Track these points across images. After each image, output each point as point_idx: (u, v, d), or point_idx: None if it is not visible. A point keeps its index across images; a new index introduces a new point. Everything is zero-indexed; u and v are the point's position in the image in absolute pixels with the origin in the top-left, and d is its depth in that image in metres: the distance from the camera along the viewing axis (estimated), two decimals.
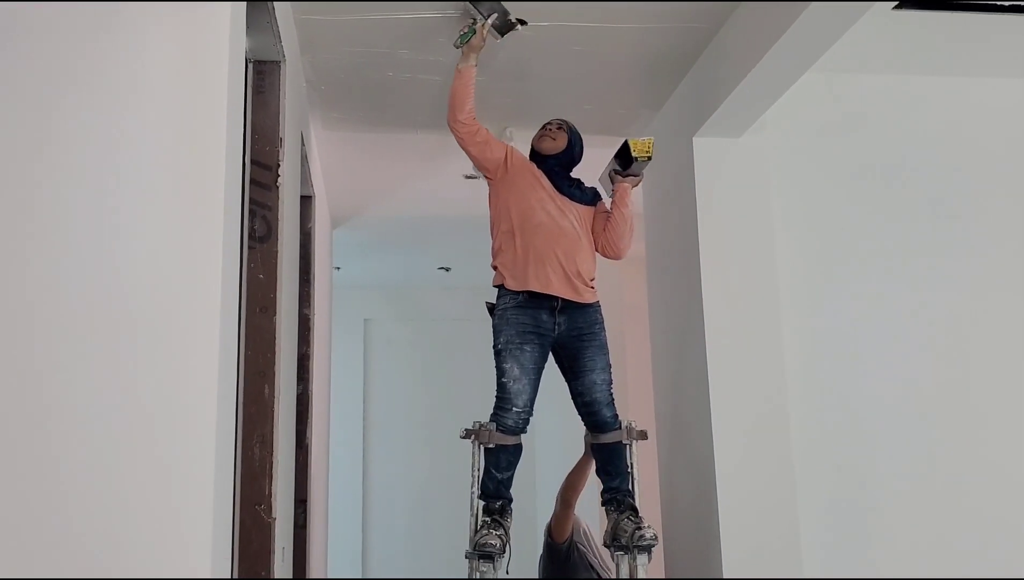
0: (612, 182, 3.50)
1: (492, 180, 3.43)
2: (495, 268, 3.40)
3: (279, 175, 2.75)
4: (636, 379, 5.73)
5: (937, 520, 3.71)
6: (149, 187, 1.80)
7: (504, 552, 3.12)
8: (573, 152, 3.52)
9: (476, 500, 3.25)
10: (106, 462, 1.70)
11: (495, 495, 3.24)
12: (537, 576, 4.13)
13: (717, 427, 3.54)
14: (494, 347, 3.30)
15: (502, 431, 3.21)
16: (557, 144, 3.48)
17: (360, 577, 8.25)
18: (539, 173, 3.41)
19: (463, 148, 3.37)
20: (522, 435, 3.27)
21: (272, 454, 2.58)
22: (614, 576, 3.56)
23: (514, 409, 3.21)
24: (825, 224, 3.89)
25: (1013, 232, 3.96)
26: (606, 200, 3.56)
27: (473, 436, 3.25)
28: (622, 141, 3.43)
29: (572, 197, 3.42)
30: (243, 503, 2.51)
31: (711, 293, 3.66)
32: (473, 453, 3.28)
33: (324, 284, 5.23)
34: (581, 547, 4.03)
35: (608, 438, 3.35)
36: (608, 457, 3.37)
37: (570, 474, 3.92)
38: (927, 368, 3.82)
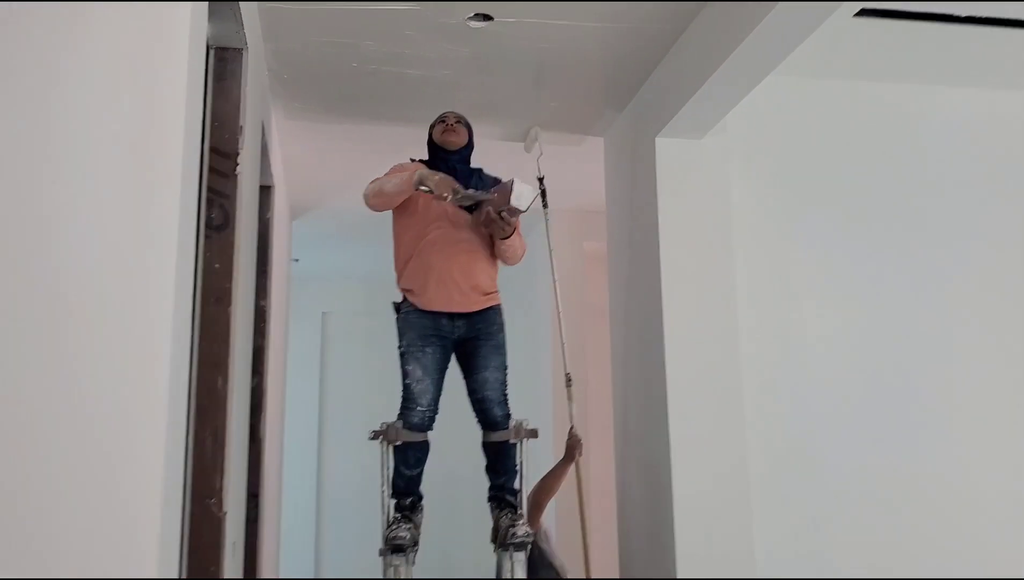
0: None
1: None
2: (397, 274, 3.46)
3: (238, 163, 2.70)
4: (596, 377, 5.74)
5: (889, 515, 3.77)
6: (103, 173, 1.75)
7: (415, 545, 3.22)
8: (471, 144, 3.53)
9: (387, 498, 3.32)
10: (52, 454, 1.65)
11: (405, 492, 3.33)
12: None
13: (674, 425, 3.56)
14: (398, 348, 3.39)
15: (408, 429, 3.28)
16: (460, 138, 3.48)
17: (313, 576, 8.17)
18: None
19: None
20: (428, 433, 3.34)
21: (224, 447, 2.54)
22: (574, 577, 3.59)
23: (418, 408, 3.29)
24: (783, 226, 3.93)
25: (965, 237, 4.04)
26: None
27: (381, 436, 3.31)
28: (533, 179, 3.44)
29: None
30: (194, 497, 2.47)
31: (670, 292, 3.68)
32: (382, 453, 3.34)
33: (282, 275, 5.18)
34: (543, 546, 4.04)
35: (497, 436, 3.39)
36: (496, 455, 3.41)
37: (544, 478, 3.92)
38: (880, 368, 3.88)
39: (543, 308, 6.33)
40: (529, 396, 6.80)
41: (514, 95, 4.08)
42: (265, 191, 4.02)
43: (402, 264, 3.45)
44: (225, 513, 2.53)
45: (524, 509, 3.40)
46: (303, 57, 3.69)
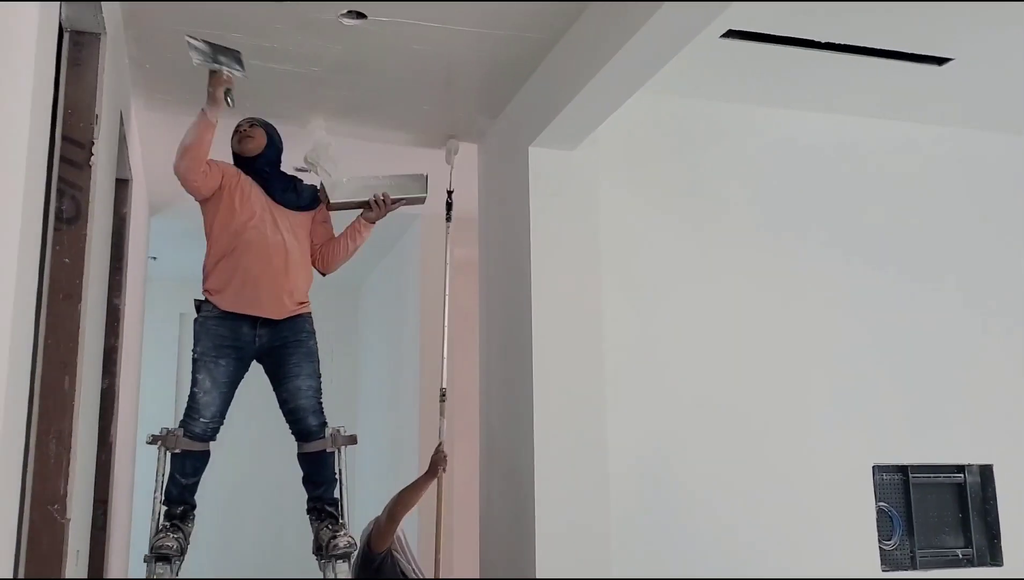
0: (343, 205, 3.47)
1: (198, 201, 3.34)
2: (206, 273, 3.33)
3: (92, 154, 2.57)
4: (461, 385, 5.75)
5: (746, 518, 3.91)
6: None
7: (181, 555, 3.14)
8: (276, 144, 3.44)
9: (159, 504, 3.21)
10: None
11: (178, 500, 3.22)
12: None
13: (539, 432, 3.61)
14: (192, 353, 3.27)
15: (189, 438, 3.19)
16: (258, 142, 3.39)
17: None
18: (251, 184, 3.30)
19: (182, 184, 3.25)
20: (211, 443, 3.25)
21: (70, 451, 2.42)
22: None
23: (201, 419, 3.20)
24: (650, 239, 4.05)
25: (823, 252, 4.26)
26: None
27: (160, 442, 3.21)
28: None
29: (287, 205, 3.35)
30: (34, 502, 2.33)
31: (539, 302, 3.72)
32: (159, 459, 3.23)
33: (138, 273, 4.97)
34: (396, 554, 4.02)
35: (312, 447, 3.31)
36: (313, 466, 3.33)
37: (404, 491, 3.89)
38: (740, 378, 4.04)
39: (410, 319, 6.29)
40: (394, 407, 6.75)
41: (386, 96, 4.04)
42: (122, 184, 3.87)
43: (212, 264, 3.30)
44: (69, 520, 2.40)
45: (346, 518, 3.30)
46: (166, 45, 3.55)
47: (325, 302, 8.17)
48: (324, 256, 3.43)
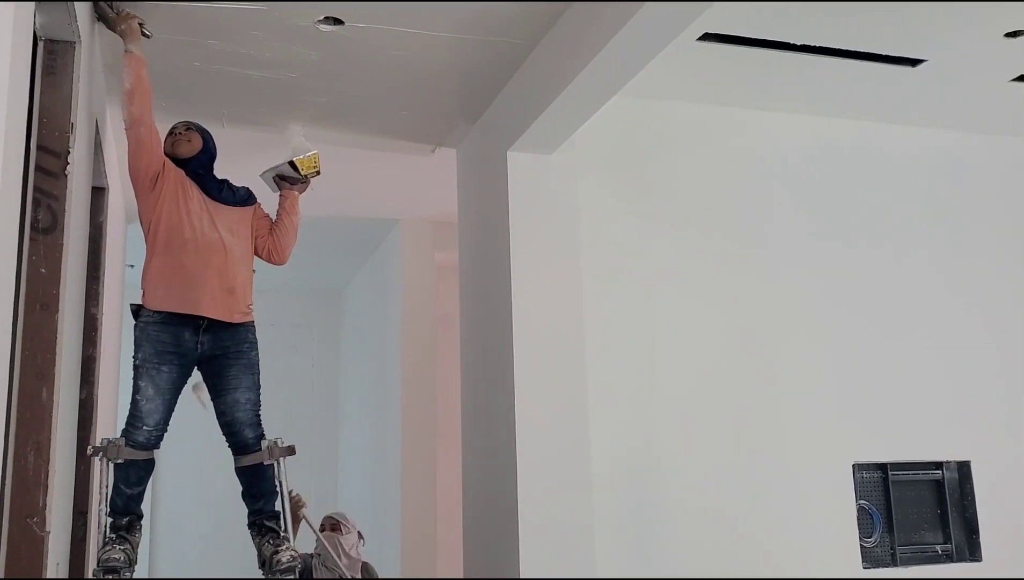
0: (279, 187, 3.47)
1: (140, 193, 3.22)
2: (144, 272, 3.21)
3: (68, 163, 2.55)
4: (446, 387, 5.75)
5: (729, 520, 3.93)
6: None
7: (130, 566, 3.03)
8: (210, 149, 3.37)
9: (104, 517, 3.11)
10: None
11: (123, 511, 3.11)
12: None
13: (521, 434, 3.61)
14: (132, 360, 3.15)
15: (132, 446, 3.09)
16: (193, 145, 3.31)
17: None
18: (188, 182, 3.24)
19: (133, 154, 3.15)
20: (155, 451, 3.15)
21: (49, 463, 2.39)
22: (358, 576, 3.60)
23: (144, 427, 3.10)
24: (629, 241, 4.06)
25: (803, 252, 4.29)
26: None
27: (102, 453, 3.10)
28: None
29: (224, 201, 3.29)
30: (12, 515, 2.31)
31: (520, 304, 3.72)
32: (101, 470, 3.14)
33: (115, 282, 4.94)
34: (319, 553, 4.15)
35: (249, 460, 3.23)
36: (251, 479, 3.25)
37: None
38: (723, 379, 4.07)
39: (392, 323, 6.29)
40: (376, 411, 6.74)
41: (364, 102, 4.04)
42: (98, 193, 3.85)
43: (149, 261, 3.19)
44: (48, 532, 2.38)
45: (288, 531, 3.23)
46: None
47: (308, 306, 8.25)
48: (273, 244, 3.37)
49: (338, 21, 3.29)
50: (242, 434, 3.20)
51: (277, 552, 3.10)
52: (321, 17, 3.26)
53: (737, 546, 3.93)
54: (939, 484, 4.33)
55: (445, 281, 5.99)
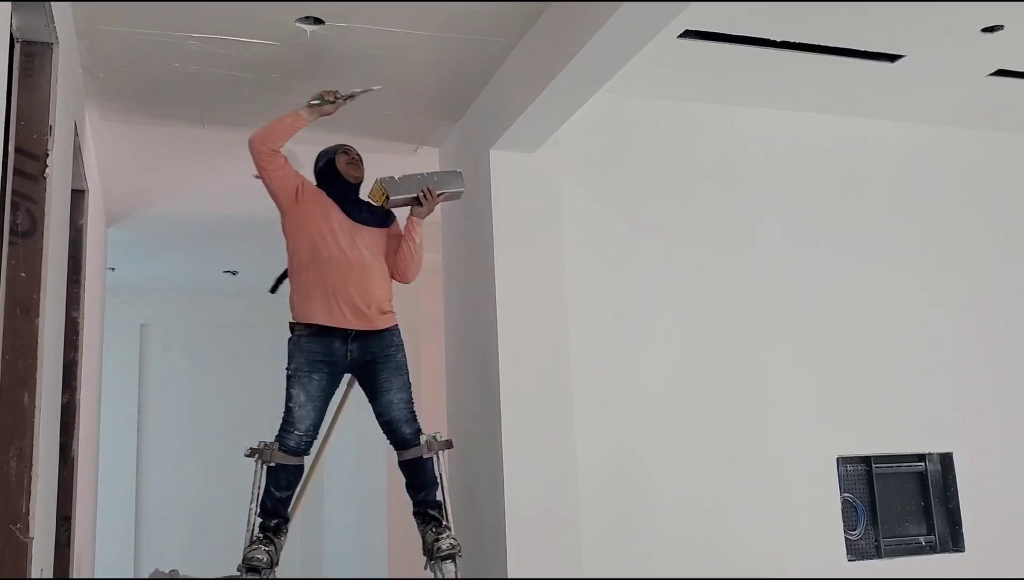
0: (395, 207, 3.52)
1: (284, 212, 3.43)
2: (292, 289, 3.43)
3: (47, 165, 2.53)
4: (430, 386, 5.75)
5: (709, 515, 3.95)
6: None
7: (271, 567, 3.22)
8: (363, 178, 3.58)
9: (254, 516, 3.31)
10: None
11: (272, 513, 3.33)
12: None
13: (506, 431, 3.63)
14: (286, 369, 3.37)
15: (284, 451, 3.30)
16: (361, 174, 3.54)
17: None
18: (328, 202, 3.42)
19: (261, 175, 3.37)
20: (304, 457, 3.35)
21: (31, 468, 2.38)
22: None
23: (296, 432, 3.30)
24: (612, 239, 4.07)
25: (783, 249, 4.31)
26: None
27: (257, 455, 3.33)
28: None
29: (364, 222, 3.46)
30: None
31: (504, 303, 3.73)
32: (256, 471, 3.34)
33: (96, 285, 4.90)
34: None
35: (410, 454, 3.43)
36: (413, 472, 3.45)
37: None
38: (707, 376, 4.08)
39: None
40: (363, 409, 6.72)
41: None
42: (78, 195, 3.81)
43: (295, 278, 3.43)
44: (32, 538, 2.36)
45: (449, 520, 3.41)
46: (120, 54, 3.51)
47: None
48: (397, 266, 3.52)
49: (318, 20, 3.28)
50: (400, 431, 3.41)
51: (439, 539, 3.31)
52: (301, 16, 3.25)
53: (723, 541, 3.94)
54: (922, 476, 4.36)
55: (429, 281, 5.98)
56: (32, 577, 2.39)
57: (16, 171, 2.49)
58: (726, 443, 4.04)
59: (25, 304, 2.46)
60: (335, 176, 3.50)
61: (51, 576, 3.22)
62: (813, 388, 4.22)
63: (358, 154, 3.58)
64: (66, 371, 3.61)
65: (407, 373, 3.46)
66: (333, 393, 3.43)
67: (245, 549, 3.24)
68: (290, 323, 3.46)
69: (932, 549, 4.30)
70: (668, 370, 4.03)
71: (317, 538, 7.95)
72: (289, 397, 3.33)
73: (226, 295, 8.19)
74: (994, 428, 4.46)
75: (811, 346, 4.26)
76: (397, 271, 3.52)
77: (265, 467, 3.32)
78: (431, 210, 3.49)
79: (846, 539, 4.14)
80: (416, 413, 3.47)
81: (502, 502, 3.57)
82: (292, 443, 3.29)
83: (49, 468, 2.97)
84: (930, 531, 4.32)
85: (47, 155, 2.55)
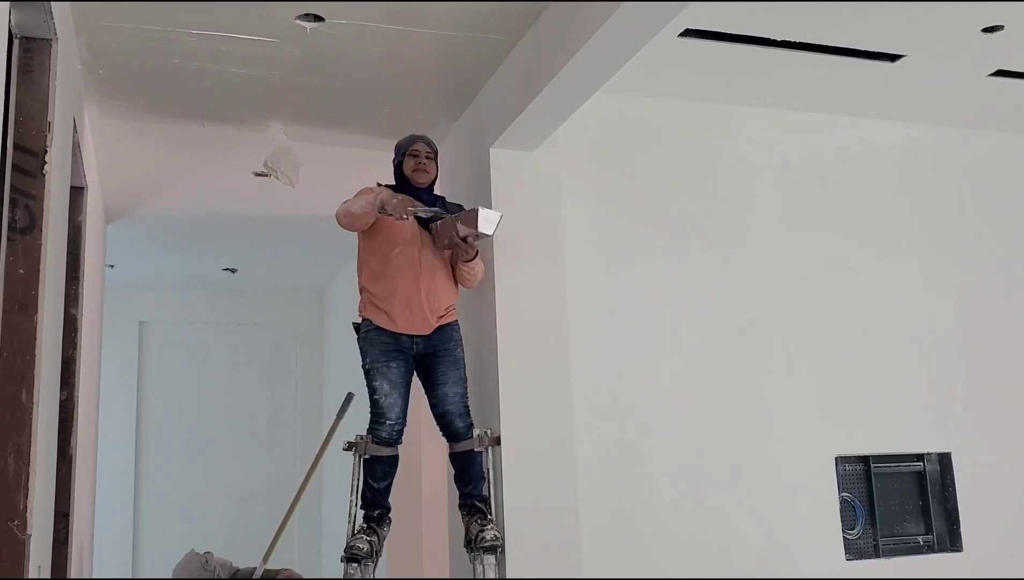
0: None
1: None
2: (362, 296, 3.52)
3: (46, 162, 2.53)
4: None
5: (707, 515, 3.95)
6: None
7: (371, 556, 3.33)
8: (437, 174, 3.62)
9: (355, 508, 3.45)
10: None
11: (373, 503, 3.45)
12: None
13: (505, 430, 3.62)
14: (363, 367, 3.45)
15: (377, 443, 3.39)
16: (431, 175, 3.57)
17: None
18: None
19: (353, 229, 3.47)
20: (398, 447, 3.44)
21: (29, 465, 2.38)
22: None
23: (387, 422, 3.39)
24: (612, 237, 4.07)
25: (782, 247, 4.31)
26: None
27: (353, 448, 3.45)
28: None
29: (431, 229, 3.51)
30: None
31: (503, 300, 3.72)
32: (354, 465, 3.46)
33: (95, 283, 4.90)
34: None
35: (461, 447, 3.52)
36: (462, 465, 3.54)
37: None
38: (707, 373, 4.07)
39: None
40: (359, 413, 6.71)
41: (346, 99, 4.02)
42: (77, 192, 3.81)
43: (365, 283, 3.51)
44: (30, 535, 2.36)
45: (494, 514, 3.49)
46: (119, 51, 3.51)
47: (290, 306, 8.22)
48: (460, 276, 3.60)
49: (318, 18, 3.27)
50: (453, 424, 3.49)
51: (483, 531, 3.39)
52: (301, 14, 3.25)
53: (721, 540, 3.94)
54: (920, 476, 4.36)
55: None
56: (30, 575, 2.39)
57: (15, 167, 2.49)
58: (724, 442, 4.04)
59: (24, 301, 2.46)
60: (403, 180, 3.56)
61: (49, 574, 3.22)
62: (812, 387, 4.22)
63: (428, 152, 3.57)
64: (65, 368, 3.61)
65: (464, 368, 3.54)
66: (411, 380, 3.49)
67: (349, 538, 3.36)
68: (354, 323, 3.55)
69: (930, 549, 4.30)
70: (668, 369, 4.03)
71: (316, 538, 7.95)
72: (373, 390, 3.41)
73: (225, 292, 8.19)
74: (992, 428, 4.46)
75: (810, 346, 4.26)
76: (460, 280, 3.62)
77: (362, 460, 3.42)
78: (472, 256, 3.50)
79: (844, 538, 4.14)
80: (469, 408, 3.54)
81: (500, 500, 3.56)
82: (384, 434, 3.38)
83: (47, 465, 2.97)
84: (928, 531, 4.32)
85: (46, 152, 2.54)
